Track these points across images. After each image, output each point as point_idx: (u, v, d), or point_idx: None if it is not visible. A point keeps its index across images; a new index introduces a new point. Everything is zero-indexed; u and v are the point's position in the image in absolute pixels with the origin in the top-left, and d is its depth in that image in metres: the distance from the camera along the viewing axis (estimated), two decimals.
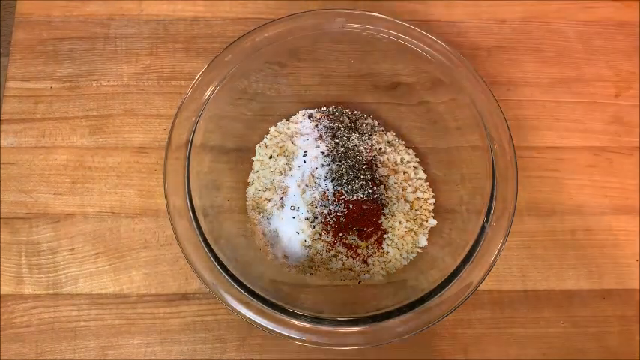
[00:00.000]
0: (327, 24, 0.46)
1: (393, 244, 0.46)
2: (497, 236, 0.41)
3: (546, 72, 0.55)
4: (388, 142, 0.50)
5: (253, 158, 0.50)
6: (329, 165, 0.46)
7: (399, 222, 0.46)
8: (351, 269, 0.46)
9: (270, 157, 0.49)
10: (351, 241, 0.46)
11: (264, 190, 0.48)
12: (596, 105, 0.54)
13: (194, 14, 0.56)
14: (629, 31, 0.57)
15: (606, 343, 0.47)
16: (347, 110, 0.52)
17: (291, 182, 0.47)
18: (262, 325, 0.39)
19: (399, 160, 0.49)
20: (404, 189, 0.48)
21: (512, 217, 0.41)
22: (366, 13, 0.46)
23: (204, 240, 0.40)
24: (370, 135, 0.50)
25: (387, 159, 0.49)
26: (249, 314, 0.39)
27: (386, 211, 0.46)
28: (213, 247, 0.40)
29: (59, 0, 0.56)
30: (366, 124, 0.51)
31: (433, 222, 0.48)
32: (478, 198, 0.43)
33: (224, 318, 0.47)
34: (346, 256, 0.46)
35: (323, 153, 0.47)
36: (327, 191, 0.46)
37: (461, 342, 0.47)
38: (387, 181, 0.48)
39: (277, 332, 0.38)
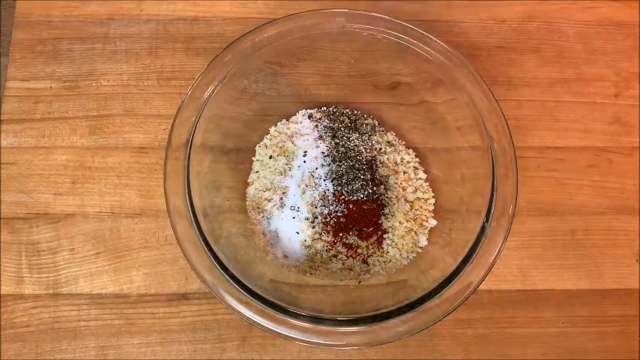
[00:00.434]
0: (327, 24, 0.46)
1: (393, 244, 0.46)
2: (497, 236, 0.41)
3: (546, 72, 0.55)
4: (388, 142, 0.50)
5: (253, 158, 0.50)
6: (329, 165, 0.46)
7: (399, 222, 0.46)
8: (351, 269, 0.46)
9: (270, 157, 0.49)
10: (351, 241, 0.46)
11: (264, 190, 0.48)
12: (596, 105, 0.54)
13: (194, 14, 0.56)
14: (629, 31, 0.57)
15: (606, 343, 0.47)
16: (347, 110, 0.52)
17: (291, 182, 0.47)
18: (262, 325, 0.39)
19: (399, 160, 0.49)
20: (404, 189, 0.48)
21: (512, 217, 0.41)
22: (366, 13, 0.46)
23: (204, 240, 0.40)
24: (370, 135, 0.50)
25: (387, 159, 0.49)
26: (249, 314, 0.39)
27: (386, 211, 0.46)
28: (213, 247, 0.40)
29: (59, 0, 0.56)
30: (366, 124, 0.51)
31: (433, 222, 0.48)
32: (478, 198, 0.43)
33: (224, 318, 0.47)
34: (346, 256, 0.46)
35: (323, 153, 0.47)
36: (327, 191, 0.46)
37: (461, 342, 0.47)
38: (387, 181, 0.48)
39: (277, 332, 0.38)
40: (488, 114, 0.44)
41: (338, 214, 0.45)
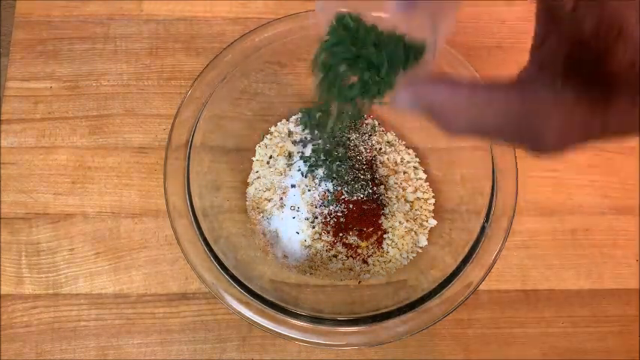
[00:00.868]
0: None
1: (393, 244, 0.46)
2: (497, 236, 0.41)
3: None
4: (388, 142, 0.50)
5: (253, 158, 0.50)
6: (329, 165, 0.46)
7: (399, 222, 0.46)
8: (351, 269, 0.46)
9: (270, 157, 0.49)
10: (351, 241, 0.46)
11: (264, 190, 0.48)
12: None
13: (194, 14, 0.56)
14: None
15: (606, 343, 0.47)
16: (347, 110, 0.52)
17: (290, 182, 0.47)
18: (262, 325, 0.39)
19: (399, 160, 0.49)
20: (404, 189, 0.48)
21: (512, 217, 0.41)
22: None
23: (204, 240, 0.40)
24: (370, 135, 0.50)
25: (387, 159, 0.49)
26: (249, 314, 0.39)
27: (386, 211, 0.46)
28: (213, 247, 0.40)
29: (59, 0, 0.56)
30: (366, 124, 0.51)
31: (433, 222, 0.48)
32: (478, 198, 0.43)
33: (224, 318, 0.47)
34: (346, 256, 0.46)
35: (323, 153, 0.47)
36: (327, 191, 0.46)
37: (461, 342, 0.47)
38: (387, 181, 0.48)
39: (277, 332, 0.38)
40: None
41: (338, 214, 0.45)
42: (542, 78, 0.21)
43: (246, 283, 0.40)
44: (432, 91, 0.22)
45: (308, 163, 0.47)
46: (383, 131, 0.51)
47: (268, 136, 0.51)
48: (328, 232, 0.46)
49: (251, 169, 0.50)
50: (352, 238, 0.46)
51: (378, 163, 0.48)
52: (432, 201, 0.48)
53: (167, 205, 0.41)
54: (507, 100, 0.21)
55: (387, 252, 0.46)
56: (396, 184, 0.48)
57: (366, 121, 0.51)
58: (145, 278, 0.47)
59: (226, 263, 0.40)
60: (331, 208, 0.45)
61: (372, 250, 0.46)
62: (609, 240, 0.50)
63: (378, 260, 0.46)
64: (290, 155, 0.48)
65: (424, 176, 0.49)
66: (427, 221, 0.48)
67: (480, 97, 0.21)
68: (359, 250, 0.46)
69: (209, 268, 0.40)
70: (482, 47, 0.56)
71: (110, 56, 0.54)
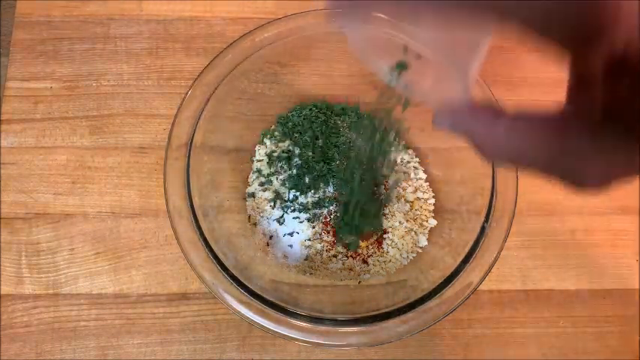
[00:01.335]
0: (327, 24, 0.46)
1: (393, 244, 0.46)
2: (497, 236, 0.41)
3: (547, 72, 0.55)
4: (388, 142, 0.50)
5: (253, 158, 0.50)
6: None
7: (399, 222, 0.46)
8: (351, 269, 0.46)
9: (270, 157, 0.48)
10: (351, 241, 0.46)
11: (264, 190, 0.48)
12: None
13: (194, 14, 0.56)
14: None
15: (606, 343, 0.47)
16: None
17: (290, 182, 0.47)
18: (262, 325, 0.39)
19: (399, 160, 0.49)
20: (404, 189, 0.48)
21: (512, 217, 0.41)
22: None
23: (204, 240, 0.40)
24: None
25: (387, 159, 0.49)
26: (249, 314, 0.39)
27: (386, 211, 0.46)
28: (213, 247, 0.40)
29: (59, 0, 0.56)
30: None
31: (433, 222, 0.48)
32: (478, 198, 0.43)
33: (224, 318, 0.47)
34: (346, 256, 0.46)
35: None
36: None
37: (461, 342, 0.47)
38: (387, 181, 0.48)
39: (277, 332, 0.38)
40: None
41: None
42: (582, 116, 0.20)
43: (246, 283, 0.39)
44: (472, 119, 0.22)
45: (302, 170, 0.47)
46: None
47: (268, 136, 0.51)
48: (328, 232, 0.46)
49: (251, 169, 0.50)
50: (352, 238, 0.46)
51: (378, 163, 0.48)
52: (432, 201, 0.48)
53: (167, 205, 0.41)
54: (548, 137, 0.20)
55: (387, 252, 0.46)
56: (396, 184, 0.48)
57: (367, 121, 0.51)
58: (145, 278, 0.47)
59: (226, 263, 0.40)
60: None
61: (372, 250, 0.46)
62: (609, 240, 0.50)
63: (378, 260, 0.46)
64: (290, 157, 0.48)
65: (424, 176, 0.49)
66: (427, 221, 0.48)
67: (520, 131, 0.21)
68: (359, 250, 0.46)
69: (209, 268, 0.40)
70: None
71: (110, 56, 0.54)
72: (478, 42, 0.24)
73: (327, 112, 0.50)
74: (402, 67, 0.29)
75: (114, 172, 0.50)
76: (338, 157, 0.47)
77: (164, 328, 0.46)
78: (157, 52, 0.54)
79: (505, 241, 0.40)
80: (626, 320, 0.48)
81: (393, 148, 0.49)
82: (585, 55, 0.18)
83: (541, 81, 0.55)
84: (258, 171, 0.48)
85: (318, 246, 0.46)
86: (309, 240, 0.46)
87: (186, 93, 0.43)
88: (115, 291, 0.47)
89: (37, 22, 0.55)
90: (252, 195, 0.48)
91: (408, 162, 0.50)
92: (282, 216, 0.46)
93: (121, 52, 0.54)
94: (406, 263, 0.47)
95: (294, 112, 0.50)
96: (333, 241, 0.45)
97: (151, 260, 0.48)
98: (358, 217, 0.45)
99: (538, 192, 0.51)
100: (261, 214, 0.47)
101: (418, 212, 0.48)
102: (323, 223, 0.46)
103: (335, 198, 0.46)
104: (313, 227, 0.46)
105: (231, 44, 0.45)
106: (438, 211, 0.48)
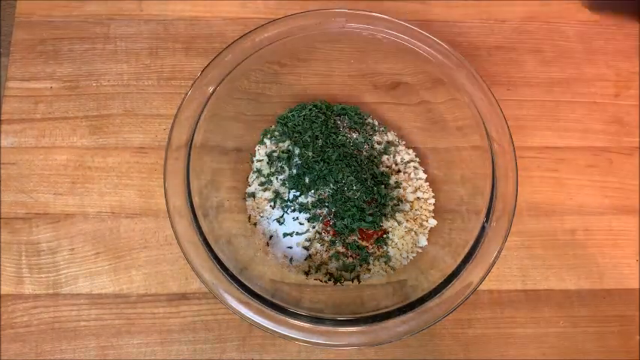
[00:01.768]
0: (327, 24, 0.46)
1: (393, 244, 0.46)
2: (497, 236, 0.41)
3: (546, 72, 0.55)
4: (388, 142, 0.50)
5: (253, 158, 0.50)
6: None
7: (399, 222, 0.46)
8: (351, 269, 0.46)
9: (270, 157, 0.48)
10: (351, 241, 0.46)
11: (264, 190, 0.48)
12: (596, 105, 0.54)
13: (194, 14, 0.56)
14: (629, 31, 0.57)
15: (606, 343, 0.47)
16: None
17: (290, 182, 0.47)
18: (262, 325, 0.39)
19: (399, 160, 0.49)
20: (404, 189, 0.48)
21: (512, 217, 0.41)
22: (366, 12, 0.46)
23: (204, 240, 0.40)
24: (370, 135, 0.50)
25: (387, 159, 0.49)
26: (249, 314, 0.39)
27: (386, 211, 0.46)
28: (213, 247, 0.40)
29: (59, 0, 0.56)
30: (366, 124, 0.51)
31: (433, 222, 0.48)
32: (478, 198, 0.43)
33: (224, 318, 0.47)
34: (346, 256, 0.46)
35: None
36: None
37: (461, 342, 0.47)
38: (387, 181, 0.48)
39: (277, 332, 0.38)
40: (489, 114, 0.44)
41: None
42: None
43: (246, 283, 0.39)
44: None
45: (301, 170, 0.47)
46: (383, 131, 0.51)
47: (268, 136, 0.51)
48: (328, 232, 0.46)
49: (251, 169, 0.50)
50: (352, 238, 0.46)
51: (378, 163, 0.48)
52: (432, 201, 0.48)
53: (167, 205, 0.41)
54: None
55: (387, 252, 0.47)
56: (396, 183, 0.48)
57: (367, 121, 0.51)
58: (145, 278, 0.47)
59: (226, 263, 0.40)
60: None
61: (372, 250, 0.46)
62: (609, 240, 0.50)
63: (378, 260, 0.46)
64: (290, 157, 0.48)
65: (424, 176, 0.49)
66: (427, 221, 0.48)
67: None
68: (359, 250, 0.46)
69: (209, 268, 0.40)
70: (482, 47, 0.56)
71: (110, 56, 0.54)
72: None
73: (327, 112, 0.50)
74: None
75: (114, 172, 0.50)
76: (338, 157, 0.47)
77: (164, 328, 0.46)
78: (156, 52, 0.54)
79: (505, 241, 0.40)
80: (626, 320, 0.48)
81: (392, 148, 0.49)
82: None
83: (541, 81, 0.55)
84: (258, 171, 0.48)
85: (318, 246, 0.46)
86: (309, 240, 0.46)
87: (186, 93, 0.43)
88: (115, 291, 0.47)
89: (37, 22, 0.55)
90: (252, 195, 0.48)
91: (408, 162, 0.50)
92: (282, 216, 0.46)
93: (121, 52, 0.54)
94: (406, 263, 0.47)
95: (294, 112, 0.50)
96: (333, 241, 0.45)
97: (151, 260, 0.48)
98: (358, 216, 0.45)
99: (538, 192, 0.51)
100: (261, 214, 0.47)
101: (418, 212, 0.48)
102: (323, 223, 0.46)
103: (335, 198, 0.46)
104: (313, 227, 0.46)
105: (231, 44, 0.45)
106: (438, 211, 0.48)
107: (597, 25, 0.57)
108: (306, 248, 0.46)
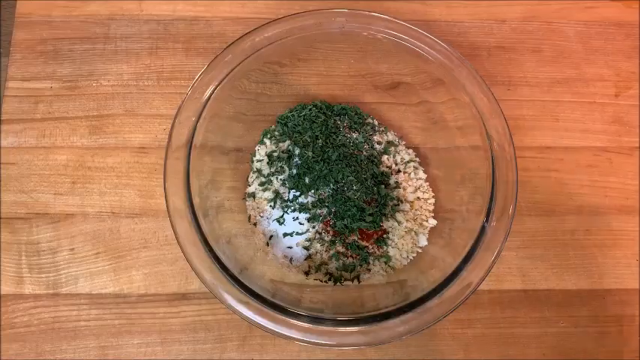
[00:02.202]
0: (327, 24, 0.46)
1: (393, 244, 0.46)
2: (497, 236, 0.41)
3: (546, 72, 0.55)
4: (388, 142, 0.50)
5: (253, 158, 0.50)
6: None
7: (399, 222, 0.46)
8: (351, 269, 0.46)
9: (270, 157, 0.48)
10: (351, 241, 0.46)
11: (264, 190, 0.48)
12: (596, 105, 0.54)
13: (194, 14, 0.56)
14: (629, 31, 0.57)
15: (606, 343, 0.47)
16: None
17: (290, 182, 0.47)
18: (262, 325, 0.39)
19: (399, 160, 0.49)
20: (404, 189, 0.48)
21: (512, 217, 0.41)
22: (366, 13, 0.46)
23: (204, 240, 0.40)
24: (370, 135, 0.50)
25: (387, 159, 0.49)
26: (249, 314, 0.39)
27: (386, 210, 0.46)
28: (213, 247, 0.40)
29: (60, 0, 0.56)
30: (366, 124, 0.51)
31: (433, 222, 0.48)
32: (478, 198, 0.43)
33: (224, 318, 0.47)
34: (346, 256, 0.46)
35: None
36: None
37: (461, 342, 0.47)
38: (387, 181, 0.48)
39: (277, 332, 0.38)
40: (489, 114, 0.44)
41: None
42: None
43: (246, 283, 0.39)
44: None
45: (301, 170, 0.47)
46: (383, 131, 0.51)
47: (268, 136, 0.51)
48: (328, 232, 0.46)
49: (251, 169, 0.50)
50: (352, 238, 0.46)
51: (378, 163, 0.48)
52: (432, 201, 0.48)
53: (167, 205, 0.41)
54: None
55: (387, 252, 0.47)
56: (396, 183, 0.48)
57: (366, 121, 0.51)
58: (145, 278, 0.47)
59: (226, 263, 0.40)
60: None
61: (372, 250, 0.46)
62: (609, 240, 0.50)
63: (378, 260, 0.46)
64: (290, 157, 0.48)
65: (424, 176, 0.49)
66: (427, 221, 0.48)
67: None
68: (359, 250, 0.46)
69: (209, 268, 0.40)
70: (482, 47, 0.56)
71: (110, 56, 0.54)
72: None
73: (327, 112, 0.50)
74: None
75: (114, 172, 0.50)
76: (338, 157, 0.47)
77: (164, 328, 0.46)
78: (156, 52, 0.54)
79: (505, 241, 0.40)
80: (626, 320, 0.48)
81: (392, 148, 0.49)
82: None
83: (541, 81, 0.55)
84: (258, 171, 0.48)
85: (318, 246, 0.46)
86: (309, 240, 0.46)
87: (187, 93, 0.43)
88: (115, 291, 0.47)
89: (37, 22, 0.55)
90: (252, 195, 0.48)
91: (408, 162, 0.50)
92: (282, 216, 0.46)
93: (121, 52, 0.54)
94: (406, 263, 0.47)
95: (294, 112, 0.50)
96: (333, 241, 0.45)
97: (151, 260, 0.48)
98: (358, 216, 0.45)
99: (538, 192, 0.51)
100: (261, 214, 0.47)
101: (418, 212, 0.48)
102: (323, 223, 0.46)
103: (335, 198, 0.46)
104: (313, 227, 0.46)
105: (231, 44, 0.45)
106: (438, 211, 0.48)
107: (597, 25, 0.57)
108: (306, 248, 0.46)
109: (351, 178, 0.46)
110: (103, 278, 0.47)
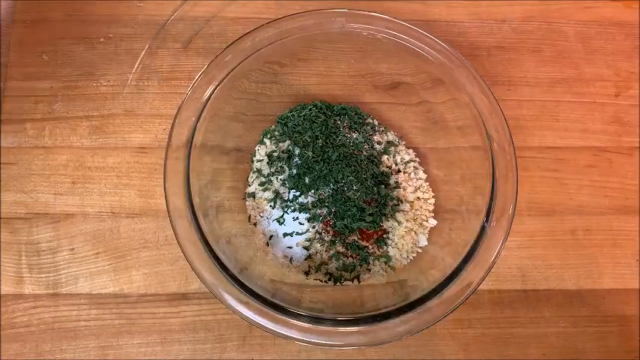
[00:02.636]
0: (327, 24, 0.46)
1: (393, 244, 0.46)
2: (497, 236, 0.41)
3: (546, 72, 0.55)
4: (388, 142, 0.50)
5: (253, 158, 0.50)
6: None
7: (399, 222, 0.47)
8: (351, 269, 0.46)
9: (270, 157, 0.48)
10: (351, 241, 0.46)
11: (264, 190, 0.48)
12: (596, 105, 0.54)
13: (194, 14, 0.56)
14: (629, 31, 0.57)
15: (606, 343, 0.47)
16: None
17: (290, 182, 0.47)
18: (262, 325, 0.39)
19: (399, 160, 0.49)
20: (404, 189, 0.48)
21: (512, 217, 0.41)
22: (366, 13, 0.46)
23: (204, 240, 0.40)
24: (370, 135, 0.50)
25: (387, 159, 0.49)
26: (249, 314, 0.39)
27: (386, 210, 0.46)
28: (213, 247, 0.40)
29: (59, 0, 0.56)
30: (366, 124, 0.51)
31: (433, 222, 0.48)
32: (478, 198, 0.43)
33: (224, 318, 0.47)
34: (346, 256, 0.46)
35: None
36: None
37: (461, 342, 0.47)
38: (387, 181, 0.48)
39: (277, 332, 0.38)
40: (489, 114, 0.44)
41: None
42: None
43: (246, 283, 0.40)
44: None
45: (302, 170, 0.47)
46: (383, 131, 0.51)
47: (268, 136, 0.51)
48: (328, 232, 0.46)
49: (251, 169, 0.50)
50: (352, 238, 0.46)
51: (378, 163, 0.48)
52: (432, 201, 0.48)
53: (167, 205, 0.41)
54: None
55: (387, 252, 0.47)
56: (396, 184, 0.48)
57: (366, 121, 0.51)
58: (145, 278, 0.47)
59: (226, 263, 0.40)
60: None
61: (372, 250, 0.46)
62: (609, 240, 0.50)
63: (378, 260, 0.46)
64: (290, 157, 0.48)
65: (424, 176, 0.49)
66: (427, 221, 0.48)
67: None
68: (359, 250, 0.46)
69: (209, 268, 0.40)
70: (482, 47, 0.56)
71: (110, 56, 0.54)
72: None
73: (327, 112, 0.50)
74: None
75: (114, 172, 0.50)
76: (338, 157, 0.47)
77: (164, 328, 0.46)
78: (156, 52, 0.54)
79: (505, 241, 0.41)
80: (626, 320, 0.48)
81: (392, 148, 0.49)
82: None
83: (541, 81, 0.55)
84: (258, 171, 0.48)
85: (318, 246, 0.46)
86: (309, 240, 0.46)
87: (187, 93, 0.43)
88: (115, 291, 0.47)
89: (37, 22, 0.55)
90: (252, 195, 0.48)
91: (408, 162, 0.50)
92: (282, 216, 0.46)
93: (121, 52, 0.54)
94: (406, 263, 0.47)
95: (294, 112, 0.50)
96: (333, 241, 0.45)
97: (151, 260, 0.48)
98: (358, 216, 0.45)
99: (538, 192, 0.51)
100: (261, 214, 0.47)
101: (418, 212, 0.48)
102: (323, 223, 0.46)
103: (335, 198, 0.46)
104: (313, 227, 0.46)
105: (231, 44, 0.45)
106: (438, 211, 0.48)
107: (597, 25, 0.57)
108: (306, 248, 0.46)
109: (351, 178, 0.46)
110: (103, 278, 0.47)
